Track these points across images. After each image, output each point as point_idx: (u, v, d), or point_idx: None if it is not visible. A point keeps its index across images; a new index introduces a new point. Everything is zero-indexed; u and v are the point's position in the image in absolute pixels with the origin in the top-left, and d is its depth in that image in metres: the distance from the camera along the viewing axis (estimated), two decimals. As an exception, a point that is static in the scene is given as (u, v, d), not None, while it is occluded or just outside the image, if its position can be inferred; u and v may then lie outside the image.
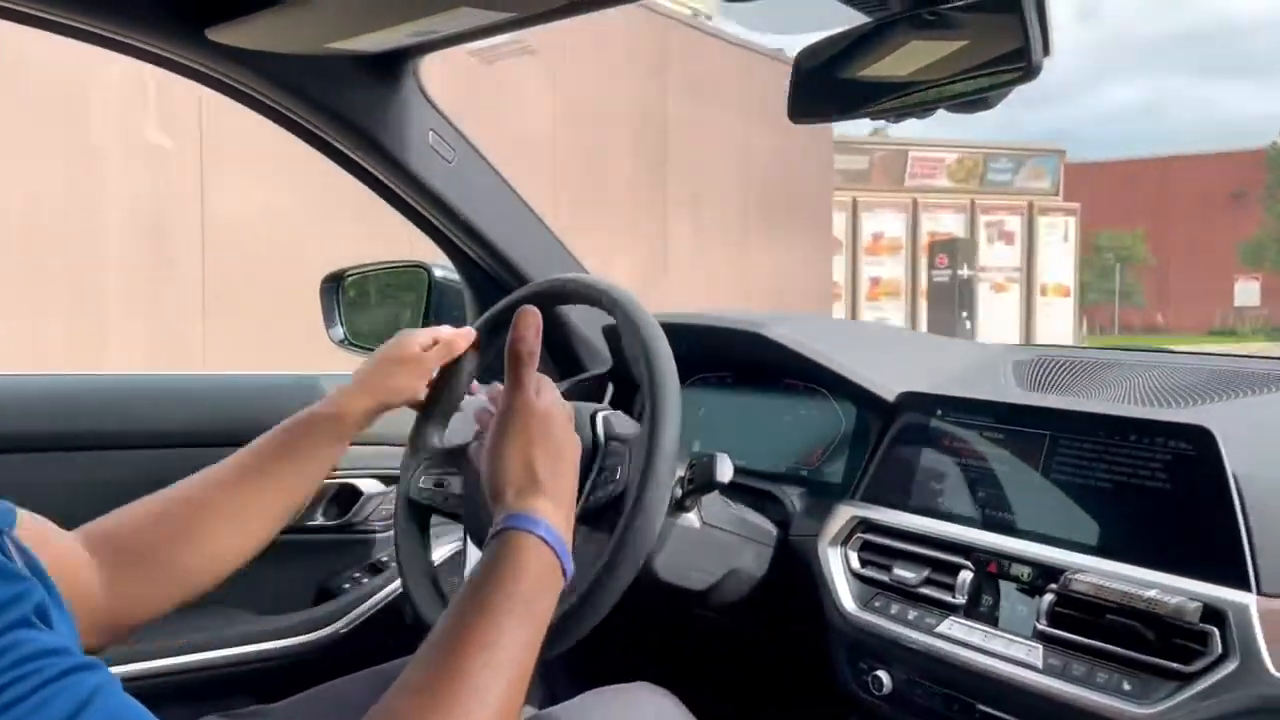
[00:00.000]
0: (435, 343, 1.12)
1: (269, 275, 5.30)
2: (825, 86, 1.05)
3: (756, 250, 10.49)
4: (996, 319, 15.71)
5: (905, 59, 0.99)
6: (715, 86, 10.22)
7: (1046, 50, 0.89)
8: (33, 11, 1.06)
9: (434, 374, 1.13)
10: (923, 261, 15.43)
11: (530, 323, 0.85)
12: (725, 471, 1.04)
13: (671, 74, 9.45)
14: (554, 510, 0.78)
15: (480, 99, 6.91)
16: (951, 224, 16.27)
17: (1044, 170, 18.23)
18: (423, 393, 1.13)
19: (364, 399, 1.06)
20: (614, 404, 1.28)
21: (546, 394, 0.86)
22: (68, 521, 0.95)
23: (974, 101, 0.99)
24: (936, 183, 16.88)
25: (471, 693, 0.63)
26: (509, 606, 0.68)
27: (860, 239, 15.87)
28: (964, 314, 14.26)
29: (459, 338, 1.13)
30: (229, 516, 0.98)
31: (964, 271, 14.38)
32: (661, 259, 9.26)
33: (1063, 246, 17.19)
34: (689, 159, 9.77)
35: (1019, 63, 0.89)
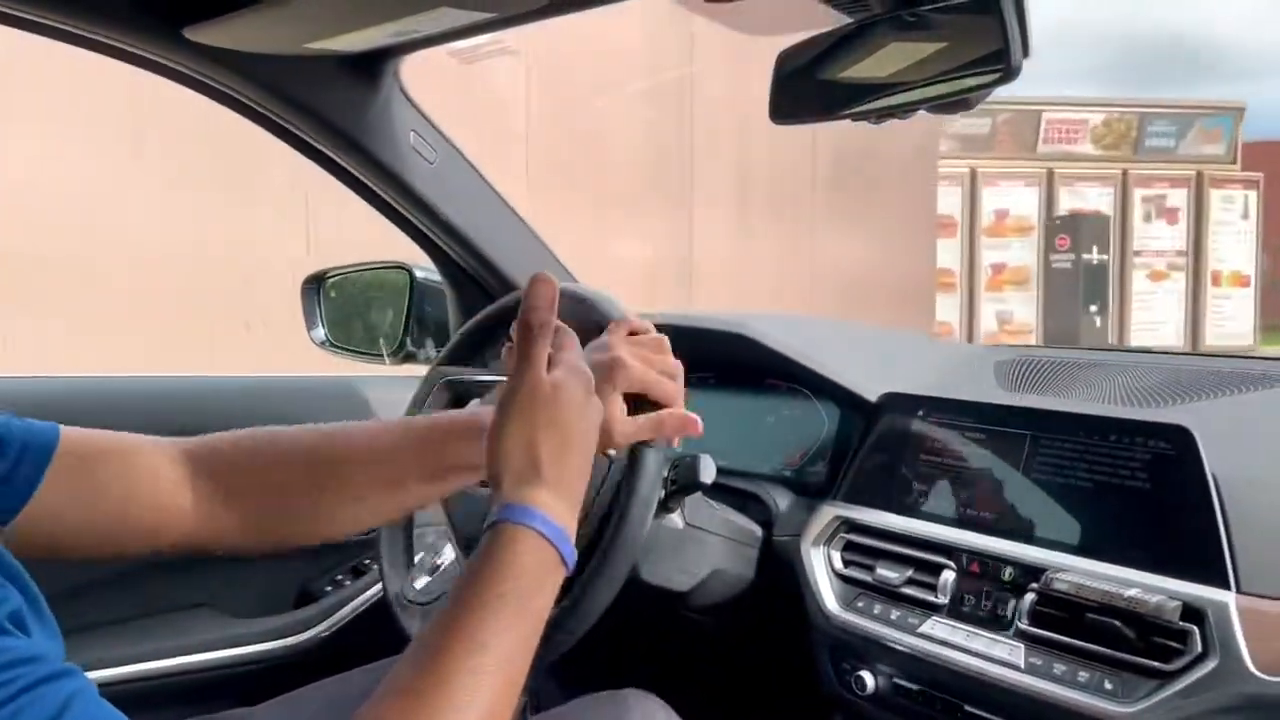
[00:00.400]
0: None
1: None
2: (806, 88, 1.05)
3: (825, 237, 8.37)
4: (1155, 313, 12.72)
5: (886, 60, 0.99)
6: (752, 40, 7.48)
7: (1026, 52, 0.89)
8: (7, 10, 1.05)
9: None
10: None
11: (543, 292, 0.76)
12: (708, 473, 1.03)
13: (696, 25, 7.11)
14: (554, 500, 0.72)
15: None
16: (1097, 199, 12.75)
17: (1218, 133, 13.67)
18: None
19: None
20: None
21: (561, 370, 0.77)
22: None
23: (955, 103, 0.99)
24: (1078, 149, 13.06)
25: (459, 695, 0.61)
26: (500, 605, 0.65)
27: (979, 218, 12.49)
28: (1092, 307, 11.50)
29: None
30: (357, 493, 0.92)
31: (1093, 255, 11.59)
32: (685, 255, 7.19)
33: (1241, 226, 13.32)
34: (721, 133, 7.44)
35: (999, 64, 0.89)
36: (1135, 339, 12.57)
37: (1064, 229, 12.05)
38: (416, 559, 1.15)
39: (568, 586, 0.87)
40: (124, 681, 1.34)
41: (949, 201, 11.86)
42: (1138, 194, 12.92)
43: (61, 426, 0.83)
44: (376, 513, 0.95)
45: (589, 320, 0.99)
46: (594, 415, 0.78)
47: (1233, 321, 13.17)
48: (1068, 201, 12.77)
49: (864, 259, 8.71)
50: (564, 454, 0.74)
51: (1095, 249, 11.82)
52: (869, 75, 1.01)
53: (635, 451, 0.92)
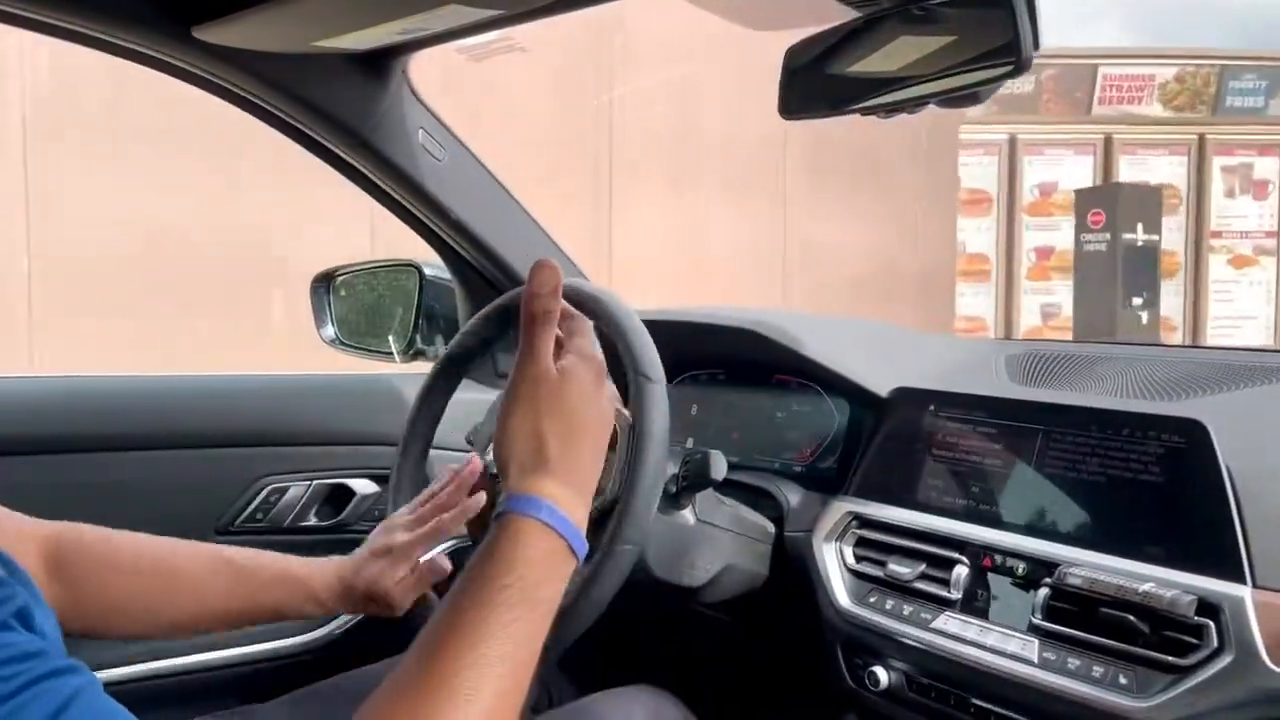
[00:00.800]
0: (420, 515, 1.02)
1: None
2: (815, 83, 1.05)
3: (803, 221, 6.90)
4: (1238, 305, 10.50)
5: (895, 54, 0.99)
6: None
7: (1036, 44, 0.89)
8: (17, 11, 1.05)
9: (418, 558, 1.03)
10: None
11: (546, 278, 0.74)
12: (719, 469, 1.03)
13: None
14: (562, 490, 0.71)
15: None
16: (1167, 170, 10.26)
17: (1321, 89, 10.73)
18: (396, 595, 1.01)
19: (339, 585, 1.00)
20: None
21: (570, 357, 0.76)
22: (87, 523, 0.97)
23: (965, 96, 0.99)
24: (1142, 110, 10.40)
25: (462, 689, 0.60)
26: (504, 598, 0.64)
27: (1020, 193, 10.09)
28: (1135, 300, 8.85)
29: (447, 522, 0.98)
30: (181, 609, 0.99)
31: (1137, 235, 8.87)
32: (601, 240, 6.05)
33: None
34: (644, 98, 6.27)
35: (1009, 57, 0.89)
36: (1213, 338, 10.53)
37: (1097, 201, 9.23)
38: None
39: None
40: (130, 681, 1.35)
41: (983, 174, 10.12)
42: (1217, 163, 10.51)
43: None
44: (203, 625, 1.02)
45: (594, 318, 0.99)
46: (605, 403, 0.77)
47: None
48: (1130, 173, 10.32)
49: (855, 244, 7.17)
50: (572, 443, 0.73)
51: (1141, 227, 8.93)
52: (878, 70, 1.01)
53: (638, 442, 0.91)
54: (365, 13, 1.05)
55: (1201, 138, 10.58)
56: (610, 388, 0.79)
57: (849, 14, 0.99)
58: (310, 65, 1.21)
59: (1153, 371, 1.15)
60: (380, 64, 1.27)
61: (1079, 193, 9.72)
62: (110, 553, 0.97)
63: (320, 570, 1.01)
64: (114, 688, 0.55)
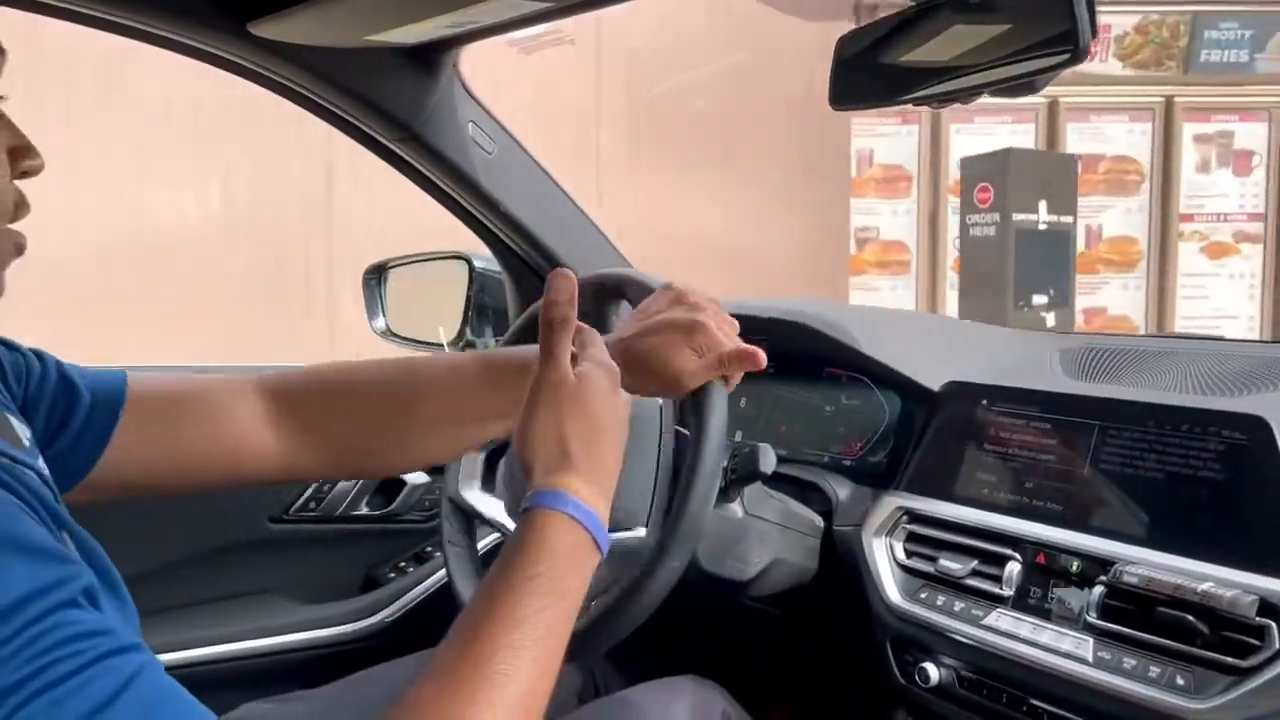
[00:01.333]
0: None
1: None
2: (867, 72, 1.04)
3: (629, 195, 5.65)
4: (1216, 302, 8.52)
5: (949, 43, 0.97)
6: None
7: (1094, 31, 0.87)
8: (79, 9, 1.07)
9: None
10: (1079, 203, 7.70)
11: (563, 287, 0.78)
12: (768, 462, 1.03)
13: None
14: (586, 486, 0.73)
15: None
16: (1126, 140, 8.29)
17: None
18: (688, 374, 0.93)
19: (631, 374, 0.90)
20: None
21: (588, 363, 0.79)
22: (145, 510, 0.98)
23: (1020, 85, 0.97)
24: (1096, 68, 8.51)
25: (494, 675, 0.62)
26: (533, 587, 0.66)
27: (945, 171, 8.26)
28: (1036, 297, 6.82)
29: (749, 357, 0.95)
30: (429, 425, 0.96)
31: (1038, 216, 6.89)
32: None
33: None
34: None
35: (1066, 45, 0.87)
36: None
37: (985, 172, 7.01)
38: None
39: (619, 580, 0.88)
40: (194, 664, 1.38)
41: (902, 147, 8.22)
42: (1189, 131, 8.33)
43: (128, 373, 0.89)
44: (447, 445, 0.99)
45: (625, 296, 1.02)
46: (621, 408, 0.80)
47: None
48: (1080, 144, 8.30)
49: (695, 226, 5.84)
50: (593, 443, 0.75)
51: (1044, 206, 6.90)
52: (931, 59, 1.00)
53: (695, 439, 0.92)
54: (416, 7, 1.05)
55: (1169, 100, 8.39)
56: (624, 394, 0.81)
57: (901, 2, 0.98)
58: (362, 59, 1.22)
59: (1212, 366, 1.12)
60: (431, 58, 1.28)
61: (964, 162, 7.44)
62: (343, 373, 0.97)
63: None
64: (180, 670, 0.56)
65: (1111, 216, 8.41)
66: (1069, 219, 7.21)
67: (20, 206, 0.71)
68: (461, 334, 1.60)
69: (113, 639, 0.54)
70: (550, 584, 0.67)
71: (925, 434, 1.21)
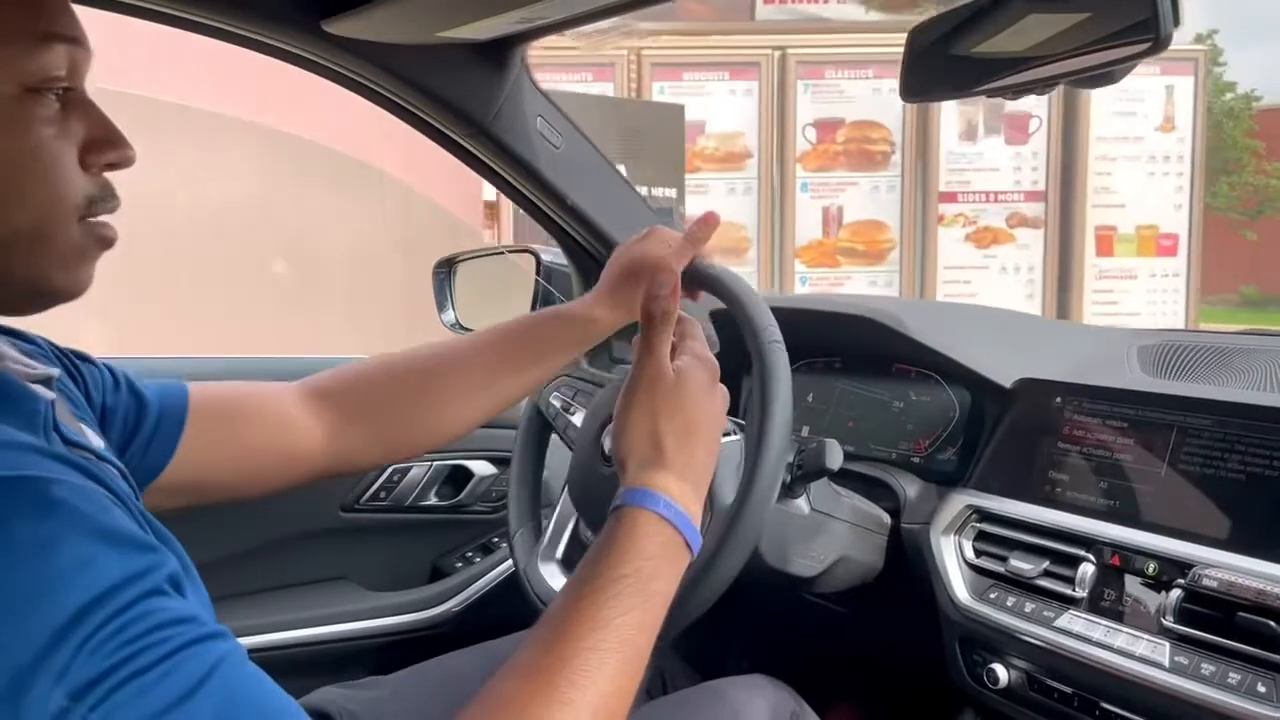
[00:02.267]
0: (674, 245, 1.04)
1: None
2: (938, 64, 1.02)
3: None
4: (981, 299, 6.85)
5: (1024, 34, 0.95)
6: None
7: (1176, 20, 0.84)
8: (158, 8, 1.10)
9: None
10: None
11: (665, 280, 0.78)
12: (835, 458, 1.02)
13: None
14: (678, 484, 0.73)
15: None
16: (871, 101, 6.74)
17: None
18: (670, 259, 1.00)
19: (615, 310, 1.05)
20: None
21: (685, 358, 0.79)
22: None
23: (1098, 76, 0.95)
24: (833, 11, 7.32)
25: (579, 673, 0.62)
26: (620, 588, 0.66)
27: (790, 139, 6.86)
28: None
29: (701, 226, 1.02)
30: (459, 391, 1.03)
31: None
32: None
33: (1159, 147, 6.90)
34: None
35: (1146, 34, 0.85)
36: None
37: None
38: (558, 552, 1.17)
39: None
40: (268, 649, 1.41)
41: (737, 112, 6.56)
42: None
43: (188, 384, 0.94)
44: (477, 408, 1.05)
45: (713, 294, 1.02)
46: (719, 403, 0.80)
47: (1144, 315, 6.99)
48: (813, 105, 6.57)
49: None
50: (688, 440, 0.75)
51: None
52: (1006, 50, 0.98)
53: (760, 430, 0.91)
54: (487, 3, 1.06)
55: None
56: (723, 389, 0.80)
57: (975, -8, 0.96)
58: (434, 56, 1.23)
59: (1299, 364, 1.09)
60: (500, 53, 1.29)
61: None
62: (373, 377, 1.04)
63: (599, 305, 1.06)
64: (252, 655, 0.58)
65: (855, 197, 6.76)
66: (671, 193, 5.58)
67: (98, 201, 0.69)
68: (529, 327, 1.61)
69: (198, 626, 0.55)
70: (638, 585, 0.67)
71: (996, 431, 1.19)
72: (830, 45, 6.76)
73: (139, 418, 0.88)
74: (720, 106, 6.63)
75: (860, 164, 6.78)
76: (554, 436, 1.26)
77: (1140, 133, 6.84)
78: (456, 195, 5.99)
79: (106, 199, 0.69)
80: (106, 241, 0.70)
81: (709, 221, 1.03)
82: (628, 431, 0.76)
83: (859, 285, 6.72)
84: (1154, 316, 7.03)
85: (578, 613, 0.65)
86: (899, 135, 6.78)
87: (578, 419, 1.14)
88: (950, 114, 6.70)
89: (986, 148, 6.84)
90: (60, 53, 0.66)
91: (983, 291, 6.90)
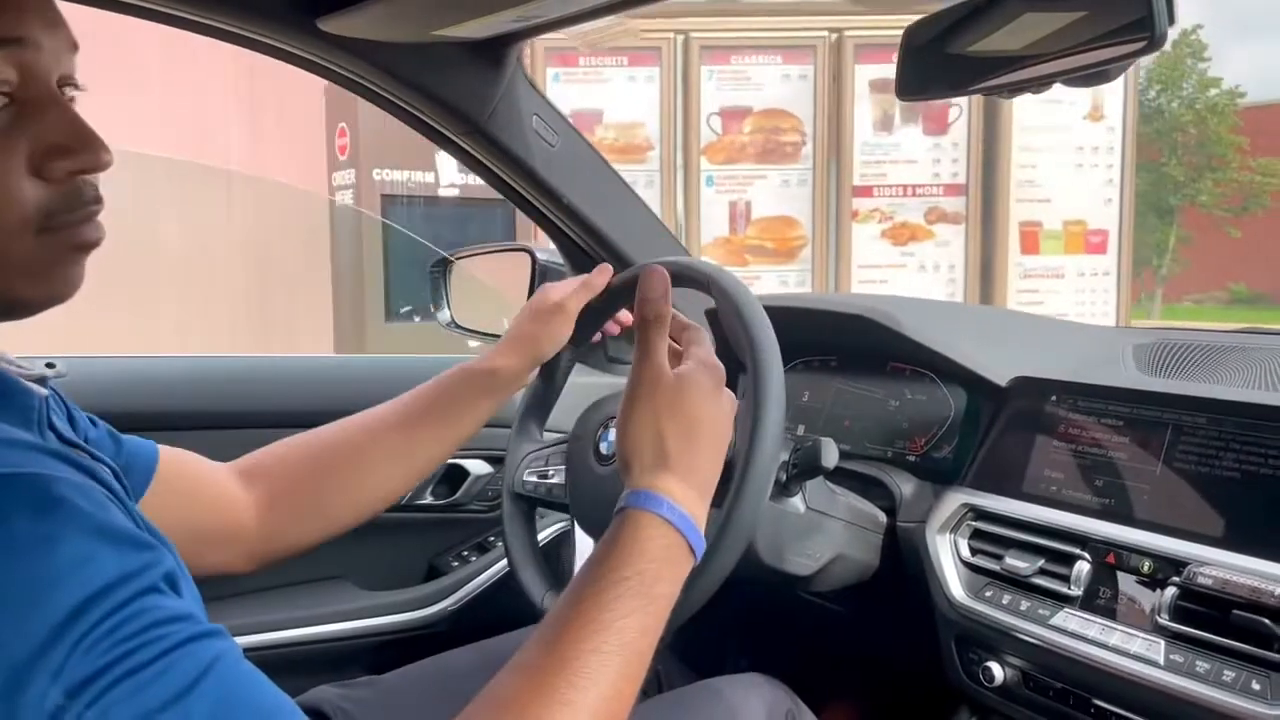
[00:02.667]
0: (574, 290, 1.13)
1: None
2: (935, 62, 1.02)
3: None
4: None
5: (1019, 32, 0.95)
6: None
7: (1171, 19, 0.85)
8: (150, 6, 1.10)
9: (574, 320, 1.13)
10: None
11: (657, 284, 0.78)
12: (830, 457, 1.02)
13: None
14: (682, 487, 0.73)
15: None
16: (779, 89, 6.26)
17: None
18: (567, 338, 1.12)
19: (515, 356, 1.08)
20: None
21: (690, 362, 0.79)
22: None
23: (1094, 75, 0.95)
24: None
25: (580, 674, 0.62)
26: (622, 590, 0.66)
27: (694, 128, 6.30)
28: (407, 310, 4.98)
29: (597, 274, 1.14)
30: (378, 462, 1.04)
31: (442, 176, 5.06)
32: None
33: (1088, 137, 6.43)
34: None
35: (1142, 33, 0.85)
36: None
37: (340, 107, 4.73)
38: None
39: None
40: (263, 648, 1.41)
41: (637, 100, 6.23)
42: (863, 75, 6.17)
43: (158, 445, 0.93)
44: (399, 476, 1.07)
45: (709, 294, 1.01)
46: (725, 408, 0.80)
47: (1072, 317, 5.84)
48: (719, 93, 6.16)
49: None
50: (692, 444, 0.75)
51: (446, 162, 4.71)
52: (1002, 48, 0.98)
53: (753, 428, 0.91)
54: (483, 1, 1.06)
55: (839, 35, 6.15)
56: (729, 394, 0.80)
57: (971, -9, 0.96)
58: (429, 54, 1.23)
59: (1294, 362, 1.09)
60: (495, 51, 1.29)
61: (329, 89, 4.78)
62: (296, 454, 1.05)
63: (499, 354, 1.09)
64: (247, 654, 0.58)
65: (764, 191, 6.32)
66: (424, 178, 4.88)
67: (60, 213, 0.63)
68: (524, 326, 1.61)
69: (194, 624, 0.55)
70: (640, 587, 0.67)
71: (992, 430, 1.19)
72: (736, 29, 6.22)
73: (114, 459, 0.84)
74: (619, 95, 6.10)
75: (769, 156, 6.31)
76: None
77: (1067, 122, 6.34)
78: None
79: (72, 208, 0.64)
80: (82, 247, 0.66)
81: (604, 271, 1.14)
82: (630, 434, 0.75)
83: (769, 285, 6.22)
84: (1082, 319, 5.93)
85: (579, 614, 0.65)
86: (810, 125, 6.27)
87: (558, 478, 1.13)
88: (864, 102, 6.21)
89: (903, 138, 6.36)
90: None
91: (901, 292, 6.27)
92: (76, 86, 0.68)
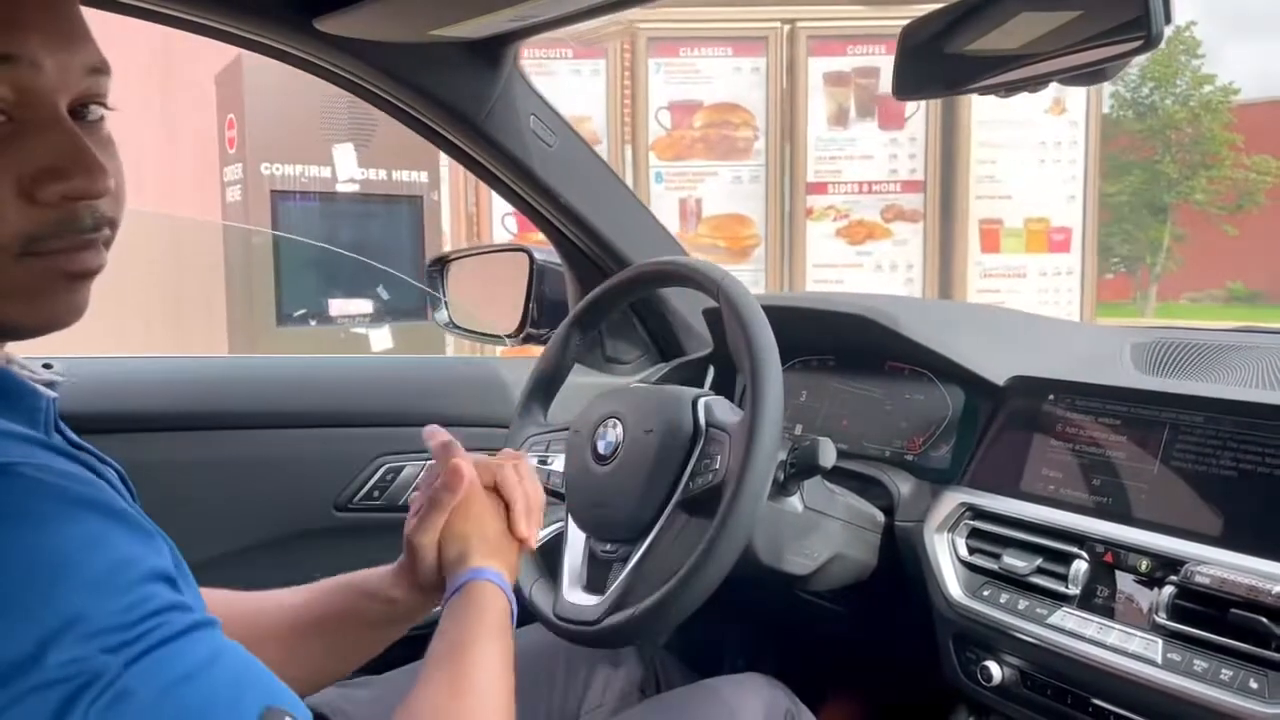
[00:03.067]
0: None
1: None
2: (932, 62, 1.03)
3: None
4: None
5: (1016, 31, 0.96)
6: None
7: (1168, 18, 0.85)
8: (147, 6, 1.10)
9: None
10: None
11: (454, 481, 0.93)
12: (828, 456, 1.02)
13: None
14: (495, 560, 0.89)
15: None
16: (733, 82, 6.02)
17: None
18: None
19: (416, 592, 0.97)
20: (715, 387, 1.28)
21: (470, 489, 0.93)
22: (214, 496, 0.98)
23: (1090, 74, 0.95)
24: None
25: (480, 688, 0.79)
26: (486, 631, 0.82)
27: (642, 123, 6.12)
28: (302, 312, 4.48)
29: (443, 490, 0.96)
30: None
31: (342, 169, 4.39)
32: None
33: (1049, 131, 6.20)
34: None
35: (1138, 32, 0.85)
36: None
37: (229, 91, 4.54)
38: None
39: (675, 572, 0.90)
40: None
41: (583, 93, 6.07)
42: (817, 68, 5.96)
43: None
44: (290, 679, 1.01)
45: (713, 298, 1.04)
46: (493, 509, 0.94)
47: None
48: (668, 87, 5.95)
49: None
50: (485, 531, 0.92)
51: (347, 154, 4.43)
52: (998, 48, 0.98)
53: (750, 430, 0.92)
54: (480, 1, 1.06)
55: (791, 26, 5.91)
56: (490, 500, 0.94)
57: (967, -10, 0.96)
58: (426, 54, 1.23)
59: (1291, 361, 1.09)
60: (493, 51, 1.29)
61: (219, 78, 4.62)
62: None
63: (393, 586, 0.99)
64: None
65: (715, 188, 6.13)
66: (421, 176, 4.48)
67: (46, 238, 0.61)
68: (522, 326, 1.62)
69: (198, 614, 0.57)
70: (497, 628, 0.84)
71: (989, 429, 1.19)
72: (685, 20, 5.97)
73: None
74: (565, 88, 5.80)
75: (720, 151, 6.07)
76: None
77: (1028, 116, 6.08)
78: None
79: (62, 234, 0.61)
80: (73, 274, 0.63)
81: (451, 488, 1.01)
82: (443, 543, 0.92)
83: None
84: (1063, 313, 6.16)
85: (463, 648, 0.80)
86: (763, 120, 5.99)
87: (558, 465, 1.13)
88: (818, 96, 5.94)
89: (859, 133, 6.09)
90: None
91: (858, 288, 6.20)
92: (104, 106, 0.66)
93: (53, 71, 0.61)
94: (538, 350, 1.41)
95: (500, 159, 1.37)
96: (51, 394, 0.68)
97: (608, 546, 1.05)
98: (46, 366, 0.74)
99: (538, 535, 0.95)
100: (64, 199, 0.61)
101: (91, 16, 0.67)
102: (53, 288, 0.62)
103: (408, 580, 0.97)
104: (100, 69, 0.65)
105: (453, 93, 1.29)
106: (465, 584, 0.87)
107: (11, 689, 0.48)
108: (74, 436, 0.69)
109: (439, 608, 0.89)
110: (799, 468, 1.04)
